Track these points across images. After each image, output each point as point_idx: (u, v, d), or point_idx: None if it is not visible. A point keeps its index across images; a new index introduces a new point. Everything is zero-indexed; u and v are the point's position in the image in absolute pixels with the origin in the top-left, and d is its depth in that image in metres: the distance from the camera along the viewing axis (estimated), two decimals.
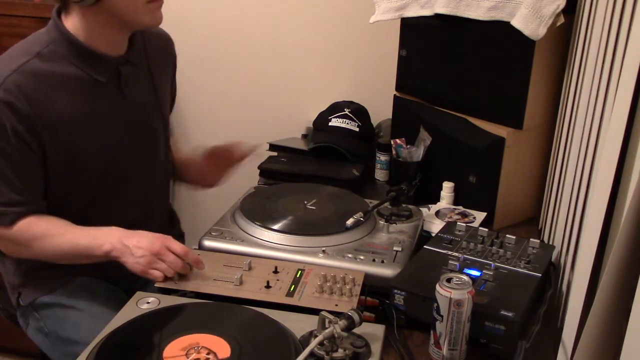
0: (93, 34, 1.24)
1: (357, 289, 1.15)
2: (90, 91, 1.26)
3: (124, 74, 1.31)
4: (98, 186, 1.32)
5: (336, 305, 1.11)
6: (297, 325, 1.04)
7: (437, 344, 1.03)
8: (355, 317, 0.98)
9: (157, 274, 1.16)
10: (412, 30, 1.67)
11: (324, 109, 1.98)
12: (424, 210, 1.53)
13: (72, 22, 1.24)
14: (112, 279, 1.40)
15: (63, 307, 1.34)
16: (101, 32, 1.25)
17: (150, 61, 1.39)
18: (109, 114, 1.30)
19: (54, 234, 1.25)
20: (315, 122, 1.97)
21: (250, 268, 1.21)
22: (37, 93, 1.20)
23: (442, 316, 1.01)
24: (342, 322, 0.96)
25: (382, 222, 1.39)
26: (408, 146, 1.68)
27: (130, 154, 1.36)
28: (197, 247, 1.32)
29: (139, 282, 1.29)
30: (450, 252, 1.26)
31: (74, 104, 1.24)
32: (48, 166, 1.25)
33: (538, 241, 1.29)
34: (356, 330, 0.99)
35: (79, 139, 1.26)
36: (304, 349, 0.94)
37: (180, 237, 1.62)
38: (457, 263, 1.20)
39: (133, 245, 1.17)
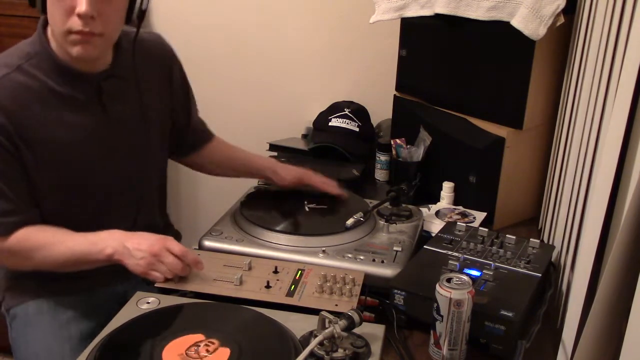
0: None
1: (357, 289, 1.15)
2: (69, 107, 1.24)
3: (106, 90, 1.28)
4: (81, 201, 1.31)
5: (336, 305, 1.11)
6: (297, 325, 1.04)
7: (437, 344, 1.03)
8: (355, 317, 0.98)
9: (157, 275, 1.16)
10: (412, 30, 1.67)
11: (324, 109, 1.98)
12: (424, 210, 1.53)
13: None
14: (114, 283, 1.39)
15: (24, 324, 1.33)
16: None
17: (138, 72, 1.34)
18: (88, 130, 1.27)
19: (53, 243, 1.24)
20: (315, 122, 1.97)
21: (250, 268, 1.21)
22: (14, 106, 1.18)
23: (442, 316, 1.01)
24: (342, 322, 0.96)
25: (382, 222, 1.39)
26: (408, 146, 1.68)
27: (113, 169, 1.33)
28: (197, 247, 1.32)
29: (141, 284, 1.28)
30: (450, 252, 1.26)
31: (52, 120, 1.23)
32: (30, 178, 1.24)
33: (538, 241, 1.29)
34: (356, 330, 0.99)
35: (57, 154, 1.24)
36: (304, 349, 0.94)
37: (176, 236, 1.61)
38: (457, 263, 1.20)
39: (133, 247, 1.17)
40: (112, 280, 1.36)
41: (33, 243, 1.24)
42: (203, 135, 1.60)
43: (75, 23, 1.15)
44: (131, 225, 1.35)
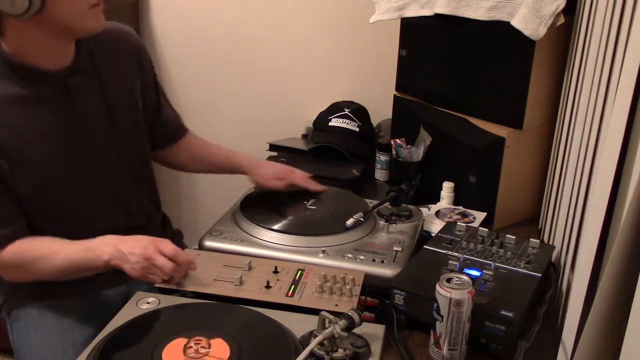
0: (32, 49, 1.20)
1: (357, 289, 1.15)
2: (37, 109, 1.22)
3: (73, 86, 1.26)
4: (62, 203, 1.29)
5: (336, 305, 1.11)
6: (297, 325, 1.05)
7: (437, 344, 1.03)
8: (355, 317, 0.98)
9: (154, 277, 1.17)
10: (412, 30, 1.67)
11: (324, 109, 1.98)
12: (424, 210, 1.53)
13: (8, 41, 1.19)
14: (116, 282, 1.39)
15: (27, 327, 1.32)
16: (42, 46, 1.20)
17: (98, 64, 1.32)
18: (61, 129, 1.25)
19: (49, 253, 1.22)
20: (315, 122, 1.97)
21: (250, 268, 1.21)
22: None
23: (442, 316, 1.01)
24: (342, 322, 0.96)
25: (382, 222, 1.39)
26: (408, 146, 1.68)
27: (88, 168, 1.31)
28: (197, 247, 1.32)
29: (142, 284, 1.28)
30: (450, 252, 1.26)
31: (20, 124, 1.20)
32: (11, 188, 1.22)
33: (538, 241, 1.29)
34: (356, 330, 0.99)
35: (30, 158, 1.22)
36: (304, 349, 0.94)
37: (176, 235, 1.60)
38: (457, 263, 1.20)
39: (128, 251, 1.16)
40: (115, 280, 1.36)
41: (29, 255, 1.23)
42: (178, 127, 1.59)
43: None
44: (121, 225, 1.34)
